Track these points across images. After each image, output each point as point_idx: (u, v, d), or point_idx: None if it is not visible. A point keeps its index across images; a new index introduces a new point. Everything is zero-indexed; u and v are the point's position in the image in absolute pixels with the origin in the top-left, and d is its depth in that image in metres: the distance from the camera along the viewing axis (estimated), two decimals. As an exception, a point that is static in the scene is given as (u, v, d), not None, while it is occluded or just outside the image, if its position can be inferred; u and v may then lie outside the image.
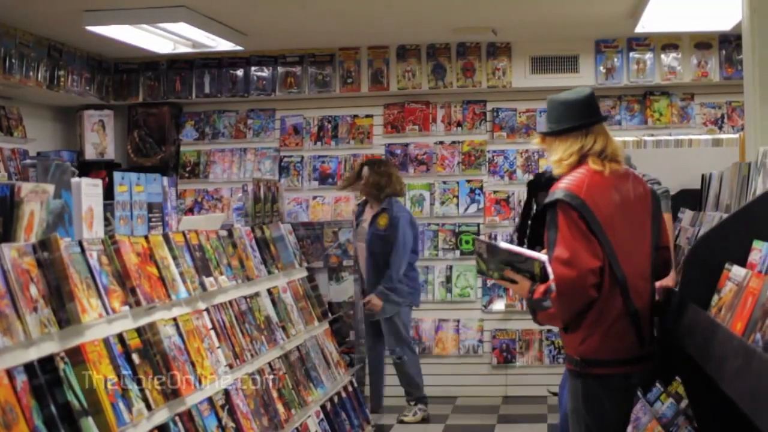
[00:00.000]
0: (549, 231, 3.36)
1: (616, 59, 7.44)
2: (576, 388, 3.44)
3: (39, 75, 6.75)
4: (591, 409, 3.41)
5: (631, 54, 7.43)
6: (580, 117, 3.46)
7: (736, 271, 2.87)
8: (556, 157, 3.48)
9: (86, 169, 7.38)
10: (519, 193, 7.62)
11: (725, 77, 7.30)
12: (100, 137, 7.86)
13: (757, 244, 3.06)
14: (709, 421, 3.27)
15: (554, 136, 3.48)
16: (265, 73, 7.78)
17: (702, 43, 7.33)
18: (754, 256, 3.03)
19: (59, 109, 7.87)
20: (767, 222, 3.07)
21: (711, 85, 7.42)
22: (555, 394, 6.97)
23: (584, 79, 7.42)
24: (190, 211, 7.95)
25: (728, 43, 7.23)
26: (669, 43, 7.36)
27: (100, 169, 7.48)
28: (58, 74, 6.99)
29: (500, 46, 7.54)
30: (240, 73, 7.80)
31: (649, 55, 7.41)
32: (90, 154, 7.80)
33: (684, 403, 4.01)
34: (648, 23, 6.39)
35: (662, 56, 7.40)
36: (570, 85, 7.33)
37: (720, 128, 7.48)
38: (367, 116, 7.89)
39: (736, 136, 7.19)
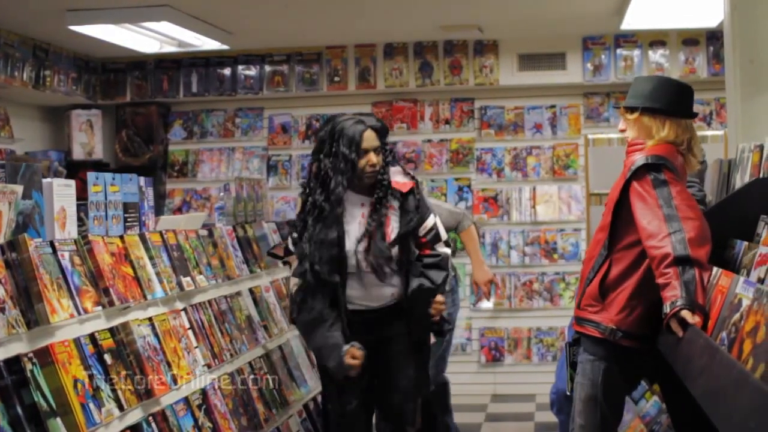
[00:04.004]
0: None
1: (603, 56, 7.42)
2: (595, 370, 3.26)
3: (24, 75, 6.73)
4: (609, 391, 3.26)
5: (619, 51, 7.41)
6: (692, 106, 3.40)
7: (708, 269, 2.87)
8: (671, 136, 3.31)
9: (74, 169, 7.35)
10: (507, 191, 7.61)
11: (713, 73, 7.27)
12: (88, 137, 7.84)
13: (732, 242, 3.06)
14: (683, 423, 3.26)
15: (664, 115, 3.34)
16: (253, 71, 7.77)
17: (689, 39, 7.31)
18: (728, 254, 3.03)
19: (47, 108, 7.84)
20: (744, 219, 3.07)
21: (699, 81, 7.37)
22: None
23: (572, 76, 7.42)
24: (178, 210, 7.93)
25: (716, 39, 7.20)
26: (656, 39, 7.34)
27: (88, 169, 7.45)
28: (44, 74, 6.97)
29: (487, 44, 7.52)
30: (227, 72, 7.78)
31: (636, 52, 7.39)
32: (78, 154, 7.78)
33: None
34: (633, 20, 6.37)
35: (650, 53, 7.38)
36: (558, 83, 7.48)
37: (708, 125, 7.45)
38: (355, 114, 7.86)
39: (721, 132, 7.19)
